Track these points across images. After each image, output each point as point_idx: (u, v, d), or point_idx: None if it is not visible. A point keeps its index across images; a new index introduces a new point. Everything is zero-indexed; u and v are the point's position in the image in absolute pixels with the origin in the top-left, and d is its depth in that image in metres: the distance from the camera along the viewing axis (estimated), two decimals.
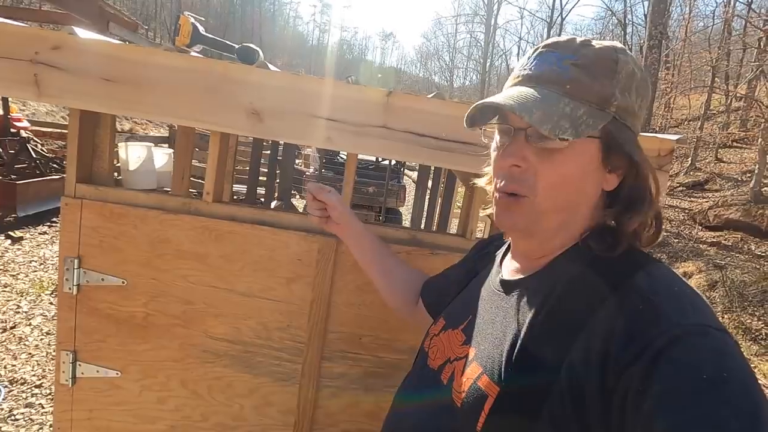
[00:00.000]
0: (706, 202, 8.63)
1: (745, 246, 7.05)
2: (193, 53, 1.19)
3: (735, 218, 7.63)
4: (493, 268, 0.72)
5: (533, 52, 0.58)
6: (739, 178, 9.43)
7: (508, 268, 0.67)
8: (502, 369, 0.54)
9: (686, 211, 8.76)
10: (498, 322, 0.60)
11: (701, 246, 7.38)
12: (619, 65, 0.56)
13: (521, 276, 0.63)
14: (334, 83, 1.06)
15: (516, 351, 0.54)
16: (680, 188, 10.06)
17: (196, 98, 1.03)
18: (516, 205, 0.57)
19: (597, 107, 0.54)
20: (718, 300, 5.83)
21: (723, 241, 7.35)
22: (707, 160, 10.87)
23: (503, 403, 0.52)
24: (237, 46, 1.17)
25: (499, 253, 0.74)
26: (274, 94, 1.04)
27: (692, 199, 9.34)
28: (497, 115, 0.61)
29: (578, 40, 0.57)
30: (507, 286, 0.64)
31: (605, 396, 0.45)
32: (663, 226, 0.59)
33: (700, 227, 8.04)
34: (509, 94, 0.55)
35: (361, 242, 0.99)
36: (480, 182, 0.73)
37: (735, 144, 11.05)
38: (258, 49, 1.17)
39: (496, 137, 0.61)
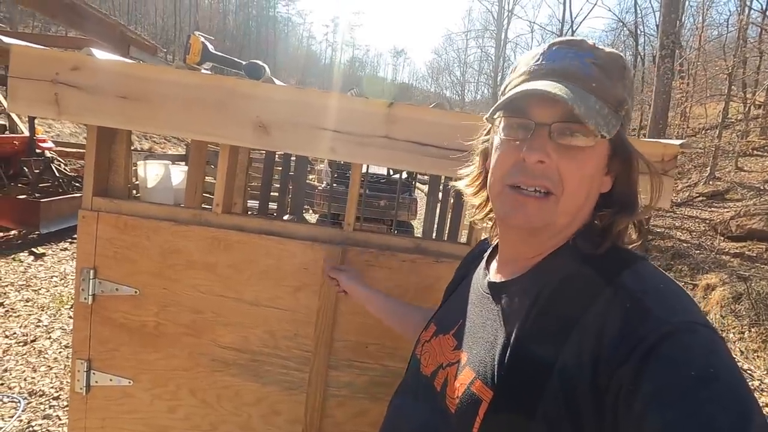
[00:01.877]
0: (728, 212, 8.40)
1: None
2: (203, 70, 1.25)
3: (758, 228, 7.40)
4: (480, 270, 0.71)
5: (548, 47, 0.58)
6: (761, 187, 9.17)
7: (495, 269, 0.67)
8: (495, 373, 0.54)
9: (707, 221, 8.54)
10: (488, 326, 0.60)
11: (724, 257, 7.16)
12: (627, 71, 0.57)
13: (510, 277, 0.62)
14: (337, 96, 1.09)
15: (508, 354, 0.53)
16: (700, 198, 9.83)
17: (206, 113, 1.07)
18: (539, 201, 0.55)
19: (614, 109, 0.55)
20: (744, 313, 5.62)
21: (747, 252, 7.11)
22: (727, 170, 10.62)
23: (498, 407, 0.52)
24: (244, 63, 1.22)
25: (485, 255, 0.73)
26: (279, 108, 1.07)
27: (713, 209, 9.11)
28: (505, 110, 0.58)
29: (589, 41, 0.58)
30: (495, 288, 0.63)
31: (597, 396, 0.45)
32: (646, 227, 0.61)
33: (722, 238, 7.81)
34: (540, 84, 0.53)
35: (371, 303, 1.05)
36: (460, 185, 0.72)
37: (755, 152, 10.79)
38: (264, 65, 1.22)
39: (501, 133, 0.59)
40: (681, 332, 0.44)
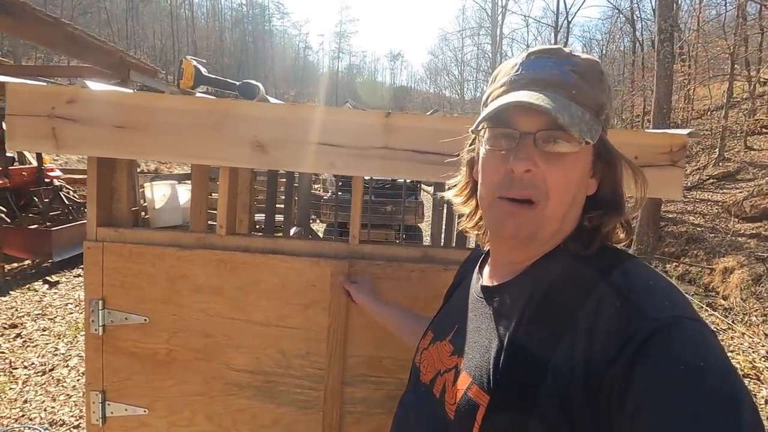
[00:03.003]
0: (740, 192, 8.24)
1: None
2: (198, 94, 1.25)
3: None
4: (473, 275, 0.71)
5: (526, 57, 0.59)
6: None
7: (487, 274, 0.67)
8: (491, 377, 0.54)
9: (719, 203, 8.39)
10: (483, 330, 0.60)
11: (740, 239, 7.02)
12: (604, 76, 0.58)
13: (502, 281, 0.62)
14: (333, 110, 1.08)
15: (502, 357, 0.54)
16: (710, 180, 9.67)
17: (202, 136, 1.06)
18: (526, 211, 0.55)
19: (595, 114, 0.56)
20: (765, 295, 5.49)
21: (763, 232, 6.97)
22: (736, 150, 10.45)
23: (495, 411, 0.52)
24: (238, 83, 1.21)
25: (479, 260, 0.73)
26: (276, 126, 1.06)
27: (725, 191, 8.95)
28: (489, 121, 0.59)
29: (565, 49, 0.58)
30: (488, 292, 0.63)
31: (591, 395, 0.45)
32: (633, 226, 0.61)
33: (736, 219, 7.66)
34: (523, 95, 0.54)
35: (381, 316, 1.05)
36: (448, 194, 0.73)
37: (764, 130, 10.60)
38: (258, 84, 1.21)
39: (485, 144, 0.60)
40: (670, 327, 0.44)
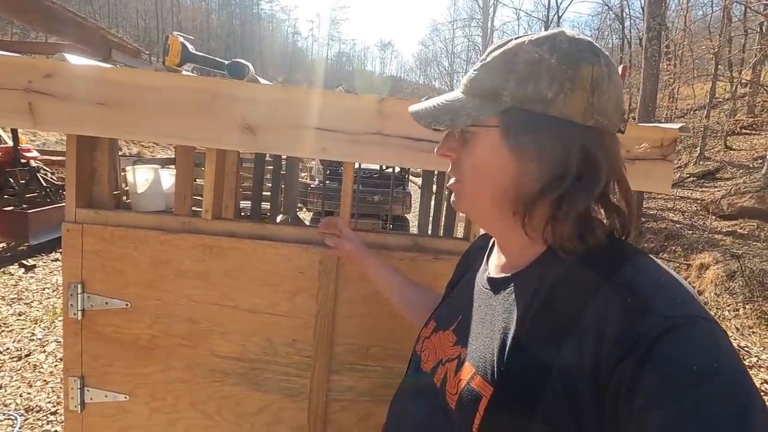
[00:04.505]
0: (719, 191, 8.47)
1: (762, 233, 6.88)
2: (184, 72, 1.20)
3: (749, 206, 7.46)
4: (480, 266, 0.70)
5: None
6: (751, 165, 9.24)
7: (494, 264, 0.66)
8: (495, 368, 0.53)
9: (698, 201, 8.61)
10: (488, 321, 0.59)
11: (716, 236, 7.22)
12: (518, 56, 0.54)
13: (509, 272, 0.61)
14: (325, 93, 1.05)
15: (508, 349, 0.53)
16: (690, 179, 9.90)
17: (189, 116, 1.03)
18: (453, 189, 0.63)
19: (489, 99, 0.56)
20: (738, 290, 5.68)
21: (738, 230, 7.18)
22: (716, 149, 10.70)
23: (498, 403, 0.51)
24: (227, 62, 1.17)
25: (486, 249, 0.73)
26: (266, 108, 1.03)
27: (704, 189, 9.18)
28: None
29: (513, 40, 0.56)
30: (495, 283, 0.63)
31: (598, 392, 0.45)
32: (633, 210, 0.57)
33: (713, 217, 7.87)
34: (416, 106, 0.65)
35: (376, 270, 1.01)
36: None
37: (744, 131, 10.87)
38: (248, 63, 1.17)
39: None
40: (681, 326, 0.43)
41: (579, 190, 0.52)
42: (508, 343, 0.53)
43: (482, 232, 0.91)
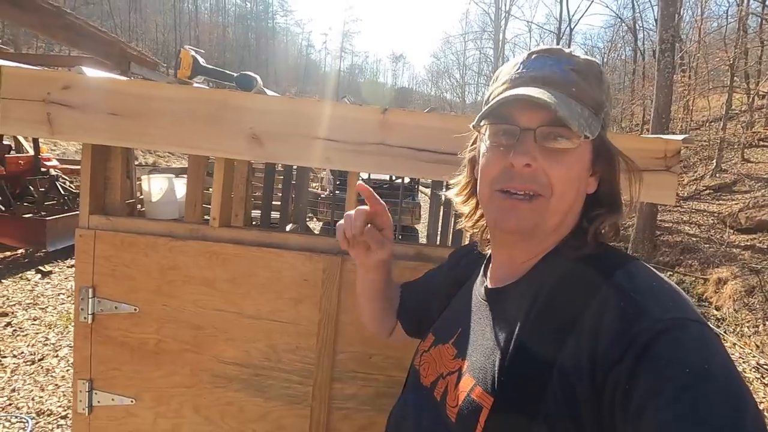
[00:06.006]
0: (736, 204, 8.28)
1: None
2: (195, 84, 1.24)
3: None
4: (478, 277, 0.71)
5: (527, 57, 0.60)
6: None
7: (491, 276, 0.67)
8: (495, 379, 0.54)
9: (715, 214, 8.43)
10: (487, 332, 0.60)
11: (734, 250, 7.05)
12: (603, 76, 0.59)
13: (506, 283, 0.62)
14: (330, 104, 1.08)
15: (507, 359, 0.54)
16: (707, 191, 9.71)
17: (198, 127, 1.06)
18: (529, 204, 0.56)
19: (594, 112, 0.57)
20: (758, 306, 5.52)
21: (757, 244, 7.00)
22: (733, 161, 10.50)
23: (499, 413, 0.52)
24: (236, 75, 1.21)
25: (478, 261, 0.73)
26: (272, 118, 1.06)
27: (720, 202, 8.99)
28: (490, 117, 0.59)
29: (566, 49, 0.59)
30: (493, 294, 0.63)
31: (596, 396, 0.45)
32: (620, 226, 0.61)
33: (731, 231, 7.69)
34: (523, 90, 0.55)
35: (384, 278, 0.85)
36: (449, 194, 0.73)
37: (761, 143, 10.66)
38: (256, 76, 1.21)
39: (486, 141, 0.60)
40: (674, 329, 0.44)
41: (620, 204, 0.60)
42: (508, 351, 0.54)
43: None
